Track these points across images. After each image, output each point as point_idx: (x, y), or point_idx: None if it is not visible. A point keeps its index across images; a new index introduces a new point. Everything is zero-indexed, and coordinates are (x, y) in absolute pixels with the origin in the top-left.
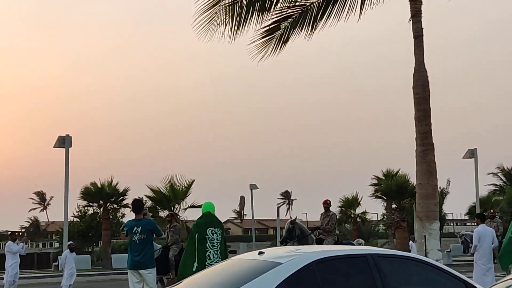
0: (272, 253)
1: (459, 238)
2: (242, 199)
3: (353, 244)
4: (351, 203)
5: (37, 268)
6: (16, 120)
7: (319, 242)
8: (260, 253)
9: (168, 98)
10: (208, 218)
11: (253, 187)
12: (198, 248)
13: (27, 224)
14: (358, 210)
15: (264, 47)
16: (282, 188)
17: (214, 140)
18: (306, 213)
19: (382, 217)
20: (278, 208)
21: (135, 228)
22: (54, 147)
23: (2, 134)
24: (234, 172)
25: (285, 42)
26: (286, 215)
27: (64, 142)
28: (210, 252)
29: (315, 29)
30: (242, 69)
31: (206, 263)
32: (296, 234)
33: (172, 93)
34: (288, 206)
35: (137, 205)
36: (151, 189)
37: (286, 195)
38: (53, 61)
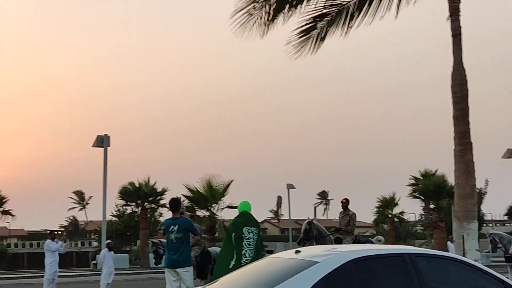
0: (309, 252)
1: (488, 237)
2: (279, 199)
3: (372, 242)
4: (388, 203)
5: (76, 267)
6: (56, 120)
7: (338, 242)
8: (296, 251)
9: (205, 96)
10: (245, 217)
11: (290, 186)
12: (235, 247)
13: (66, 223)
14: (396, 210)
15: (302, 46)
16: (319, 187)
17: (252, 139)
18: None
19: (420, 218)
20: (315, 208)
21: (172, 226)
22: (92, 146)
23: (42, 133)
24: (271, 172)
25: (322, 40)
26: (323, 215)
27: (102, 141)
28: (246, 250)
29: (351, 27)
30: (278, 64)
31: (242, 261)
32: (313, 234)
33: (209, 91)
34: (325, 206)
35: (174, 204)
36: (188, 189)
37: (323, 195)
38: (91, 60)
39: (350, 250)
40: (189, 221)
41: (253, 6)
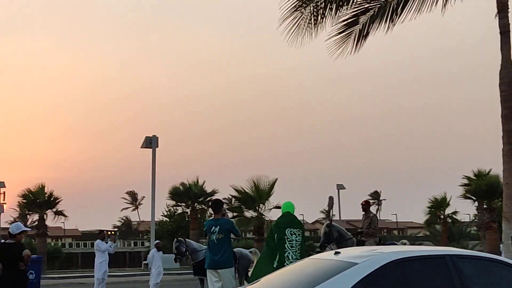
0: (348, 253)
1: None
2: (331, 199)
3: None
4: (440, 203)
5: (129, 267)
6: (106, 120)
7: (360, 244)
8: (336, 253)
9: (253, 94)
10: (288, 218)
11: (340, 187)
12: (278, 249)
13: (119, 223)
14: (448, 211)
15: (343, 42)
16: (371, 188)
17: (301, 138)
18: (396, 214)
19: (473, 218)
20: None
21: (213, 227)
22: (141, 147)
23: (92, 134)
24: (322, 172)
25: (365, 36)
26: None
27: (150, 142)
28: (289, 253)
29: (394, 23)
30: (323, 62)
31: (285, 264)
32: (334, 237)
33: (256, 89)
34: (377, 206)
35: (216, 205)
36: (235, 190)
37: (375, 196)
38: (139, 59)
39: (390, 252)
40: (230, 222)
41: (301, 11)
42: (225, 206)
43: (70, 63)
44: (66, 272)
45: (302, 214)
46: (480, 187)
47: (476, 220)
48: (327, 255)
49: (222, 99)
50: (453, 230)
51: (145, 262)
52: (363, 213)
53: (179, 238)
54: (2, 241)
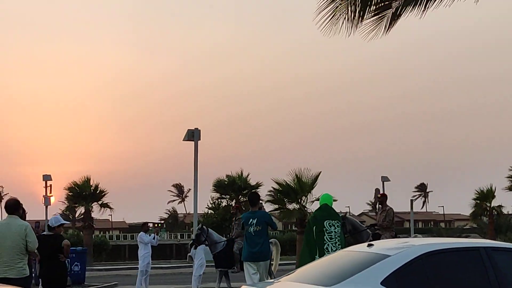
0: (381, 245)
1: None
2: (377, 191)
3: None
4: (486, 195)
5: (176, 259)
6: (151, 115)
7: (376, 237)
8: (369, 245)
9: (294, 88)
10: (326, 211)
11: (384, 179)
12: (316, 241)
13: (166, 216)
14: (494, 203)
15: (376, 25)
16: (418, 180)
17: (345, 131)
18: (443, 206)
19: None
20: (411, 200)
21: (251, 220)
22: (183, 140)
23: (137, 129)
24: (368, 164)
25: (397, 19)
26: (422, 208)
27: (193, 135)
28: (328, 244)
29: (428, 8)
30: (366, 56)
31: (325, 255)
32: (347, 229)
33: (298, 84)
34: (424, 199)
35: (253, 198)
36: (277, 183)
37: (422, 188)
38: (181, 55)
39: (423, 244)
40: (267, 215)
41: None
42: (269, 198)
43: (118, 61)
44: (112, 264)
45: (348, 206)
46: None
47: None
48: (361, 247)
49: (267, 95)
50: (500, 222)
51: (190, 254)
52: (379, 206)
53: (202, 226)
54: (44, 233)
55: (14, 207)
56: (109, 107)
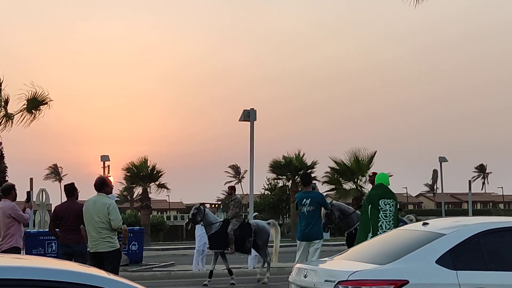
0: (437, 224)
1: None
2: (435, 172)
3: (405, 222)
4: None
5: None
6: (205, 95)
7: None
8: (424, 224)
9: (351, 63)
10: (381, 190)
11: (442, 159)
12: (371, 219)
13: (223, 197)
14: None
15: None
16: (477, 160)
17: (403, 113)
18: (502, 187)
19: None
20: (469, 181)
21: (304, 200)
22: (239, 120)
23: (192, 109)
24: (426, 145)
25: None
26: (482, 189)
27: (249, 115)
28: (382, 222)
29: None
30: (420, 28)
31: (379, 233)
32: (336, 216)
33: (354, 58)
34: (483, 180)
35: (306, 178)
36: (335, 162)
37: (481, 169)
38: (236, 33)
39: (478, 223)
40: (320, 195)
41: None
42: (325, 179)
43: (170, 40)
44: (169, 244)
45: (406, 187)
46: None
47: None
48: (415, 226)
49: (323, 73)
50: None
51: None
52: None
53: (199, 206)
54: None
55: (101, 185)
56: (163, 87)
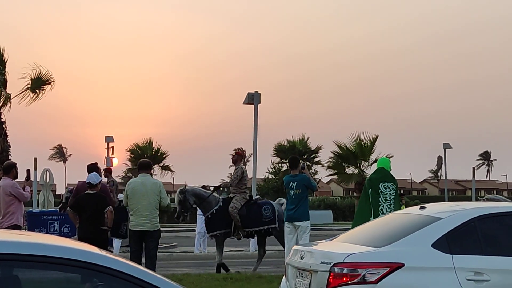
0: (434, 208)
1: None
2: (440, 159)
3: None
4: None
5: None
6: (210, 79)
7: (228, 201)
8: (421, 207)
9: (356, 49)
10: (381, 173)
11: (446, 146)
12: (372, 203)
13: (228, 180)
14: None
15: None
16: (482, 147)
17: (411, 97)
18: (506, 175)
19: None
20: (473, 168)
21: (291, 183)
22: (243, 103)
23: (198, 92)
24: (431, 132)
25: None
26: (486, 176)
27: (253, 98)
28: (383, 206)
29: None
30: (427, 16)
31: (380, 217)
32: (191, 202)
33: (359, 45)
34: (487, 167)
35: (293, 161)
36: (338, 146)
37: (486, 156)
38: (242, 17)
39: (476, 207)
40: (307, 178)
41: None
42: (329, 164)
43: (180, 23)
44: (172, 226)
45: (410, 174)
46: None
47: None
48: (412, 210)
49: (330, 59)
50: None
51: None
52: (233, 165)
53: (183, 189)
54: (86, 192)
55: (146, 166)
56: (168, 70)
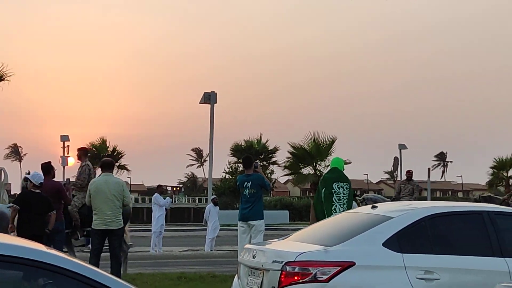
0: (385, 207)
1: (360, 204)
2: (396, 160)
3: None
4: (503, 164)
5: (193, 222)
6: (166, 78)
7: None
8: (373, 207)
9: (313, 49)
10: (335, 173)
11: (402, 147)
12: (325, 203)
13: (185, 180)
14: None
15: None
16: (437, 149)
17: (366, 98)
18: (461, 176)
19: None
20: (429, 169)
21: (246, 182)
22: (200, 103)
23: (154, 92)
24: (387, 133)
25: None
26: (441, 177)
27: (209, 98)
28: (336, 206)
29: None
30: (384, 18)
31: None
32: None
33: (317, 45)
34: (443, 168)
35: (247, 161)
36: (293, 146)
37: (441, 157)
38: (198, 17)
39: (426, 207)
40: (261, 177)
41: None
42: (286, 164)
43: (134, 21)
44: (129, 225)
45: (367, 174)
46: None
47: None
48: (364, 209)
49: (286, 59)
50: None
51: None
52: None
53: (26, 176)
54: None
55: (109, 165)
56: (124, 68)
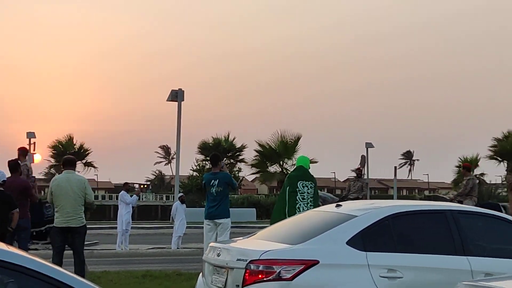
0: (349, 206)
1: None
2: (363, 158)
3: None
4: (469, 164)
5: (161, 220)
6: (134, 75)
7: None
8: (337, 205)
9: (281, 49)
10: (300, 172)
11: (368, 145)
12: (288, 201)
13: (152, 177)
14: (477, 172)
15: None
16: (404, 147)
17: (335, 96)
18: (427, 174)
19: (503, 180)
20: (395, 168)
21: (212, 181)
22: (167, 100)
23: (122, 88)
24: (354, 131)
25: None
26: (408, 176)
27: (176, 95)
28: (300, 204)
29: None
30: (354, 18)
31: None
32: None
33: (285, 45)
34: (409, 166)
35: (214, 159)
36: (260, 145)
37: (408, 156)
38: (165, 14)
39: (390, 205)
40: (228, 176)
41: None
42: (253, 162)
43: (102, 18)
44: (95, 223)
45: (334, 172)
46: (506, 148)
47: (505, 182)
48: (329, 208)
49: (254, 57)
50: (481, 190)
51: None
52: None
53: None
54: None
55: (71, 162)
56: (92, 65)
